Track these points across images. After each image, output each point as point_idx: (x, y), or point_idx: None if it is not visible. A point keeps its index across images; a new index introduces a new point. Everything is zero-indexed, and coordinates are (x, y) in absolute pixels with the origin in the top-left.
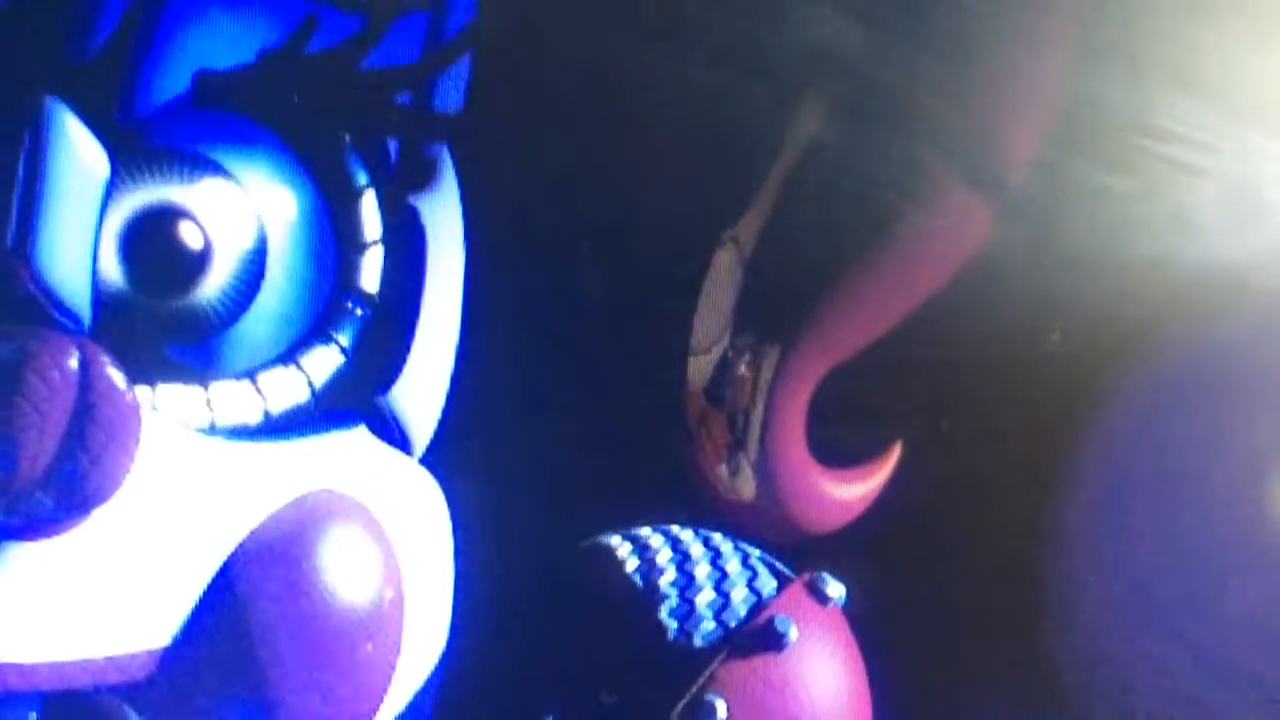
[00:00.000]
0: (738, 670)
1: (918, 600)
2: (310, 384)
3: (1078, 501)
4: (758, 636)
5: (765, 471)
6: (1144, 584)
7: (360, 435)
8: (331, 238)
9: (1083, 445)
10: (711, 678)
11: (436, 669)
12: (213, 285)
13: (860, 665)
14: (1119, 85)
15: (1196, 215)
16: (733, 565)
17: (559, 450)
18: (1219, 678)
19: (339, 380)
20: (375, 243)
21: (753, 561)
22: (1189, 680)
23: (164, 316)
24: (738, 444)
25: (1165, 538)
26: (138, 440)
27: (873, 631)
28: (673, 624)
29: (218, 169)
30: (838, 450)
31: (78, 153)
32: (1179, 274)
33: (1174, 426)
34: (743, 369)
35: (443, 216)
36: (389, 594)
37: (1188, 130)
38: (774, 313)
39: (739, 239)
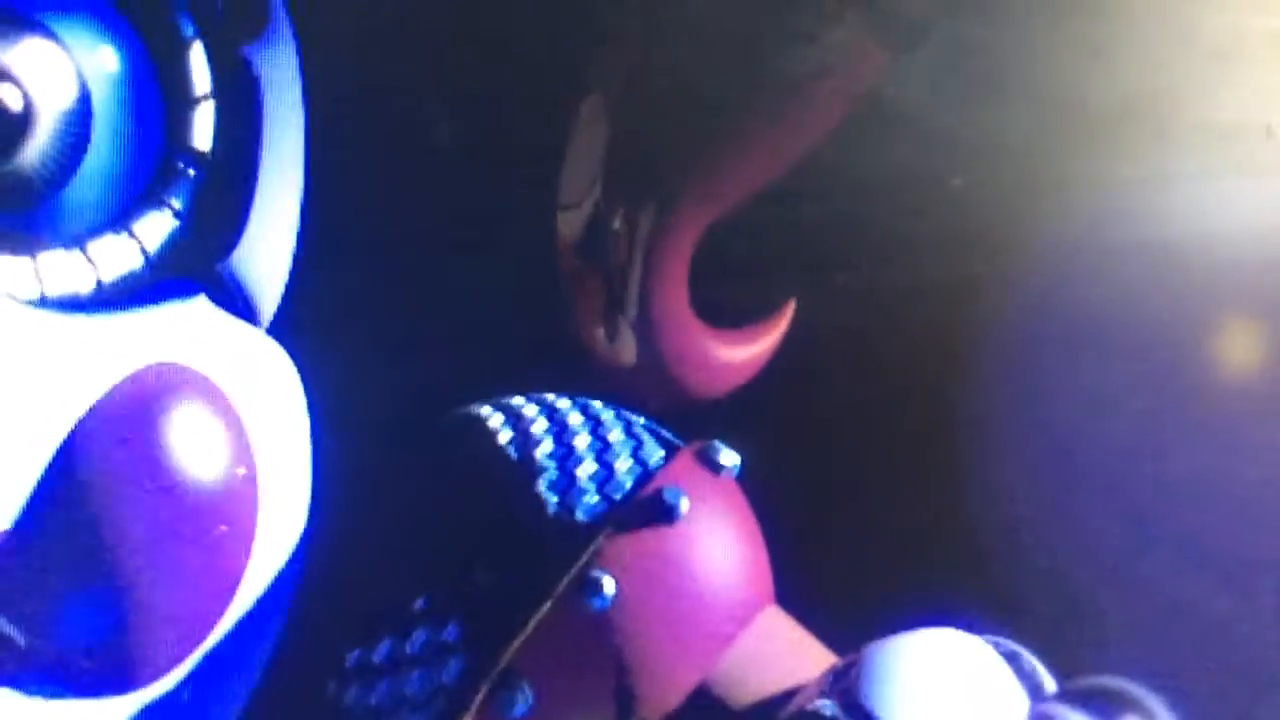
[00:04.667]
0: (626, 545)
1: (820, 467)
2: (144, 251)
3: (991, 360)
4: (646, 509)
5: (646, 333)
6: (1067, 446)
7: (200, 305)
8: (158, 94)
9: (995, 298)
10: (597, 553)
11: (297, 551)
12: (35, 149)
13: (759, 537)
14: None
15: (1112, 44)
16: (615, 434)
17: (420, 314)
18: (1152, 539)
19: (174, 246)
20: (206, 97)
21: (637, 430)
22: (1120, 543)
23: None
24: (615, 304)
25: (1090, 394)
26: None
27: (772, 501)
28: (552, 498)
29: (34, 26)
30: (725, 310)
31: None
32: (1096, 106)
33: (1095, 274)
34: (617, 223)
35: (277, 68)
36: (240, 471)
37: None
38: (649, 162)
39: (607, 83)
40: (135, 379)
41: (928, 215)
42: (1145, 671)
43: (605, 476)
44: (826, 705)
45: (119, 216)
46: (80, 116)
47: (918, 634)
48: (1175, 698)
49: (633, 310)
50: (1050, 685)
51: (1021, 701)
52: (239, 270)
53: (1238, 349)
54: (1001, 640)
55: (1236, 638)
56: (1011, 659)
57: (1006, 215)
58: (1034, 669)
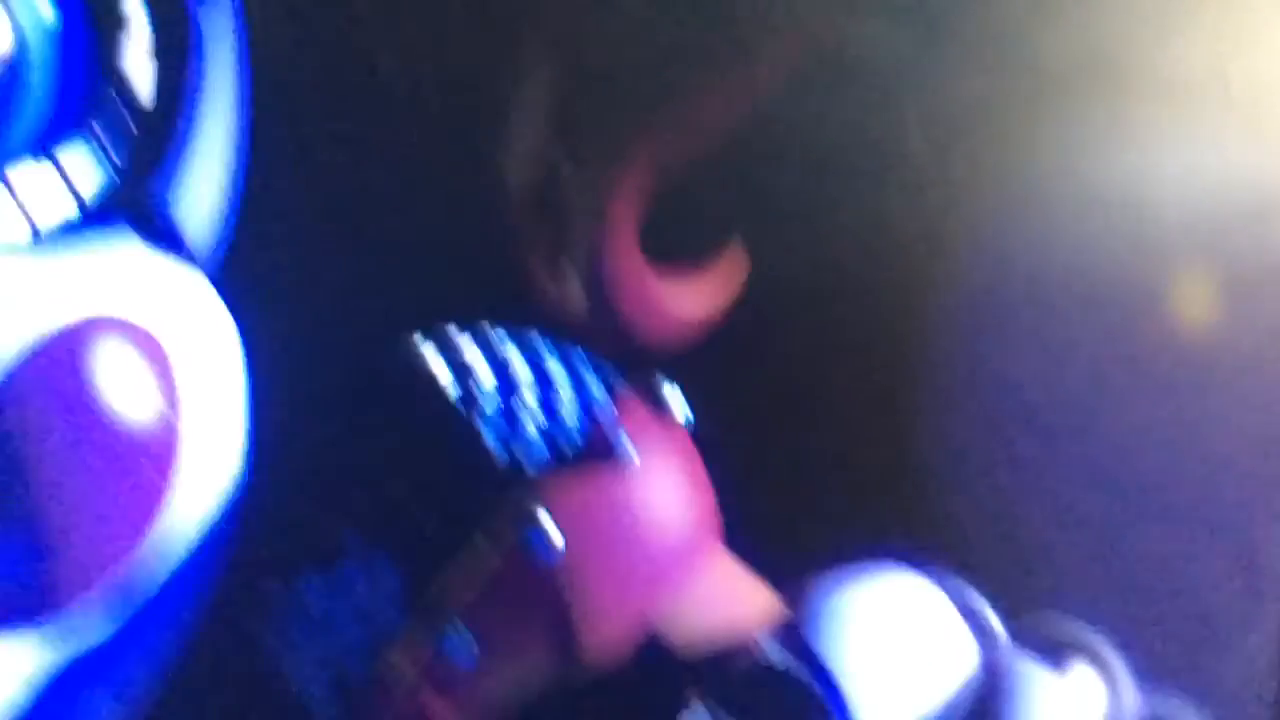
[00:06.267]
0: (570, 490)
1: (770, 413)
2: (71, 186)
3: (946, 309)
4: (591, 453)
5: (596, 280)
6: (1018, 392)
7: (131, 243)
8: (91, 27)
9: (953, 250)
10: (539, 495)
11: (232, 492)
12: None
13: (707, 485)
14: None
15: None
16: (560, 375)
17: (361, 255)
18: (1104, 487)
19: (104, 182)
20: (137, 19)
21: (581, 370)
22: (1069, 490)
23: None
24: (564, 251)
25: (1042, 341)
26: None
27: (721, 448)
28: (492, 437)
29: None
30: (677, 257)
31: None
32: (1051, 63)
33: (1053, 227)
34: (567, 170)
35: (214, 5)
36: (170, 415)
37: None
38: (599, 109)
39: (558, 34)
40: (61, 320)
41: (885, 170)
42: (1095, 617)
43: (550, 418)
44: (773, 648)
45: (45, 148)
46: (14, 58)
47: (865, 576)
48: (1125, 643)
49: (582, 259)
50: (999, 629)
51: (970, 644)
52: (171, 207)
53: (1192, 302)
54: (950, 583)
55: (1188, 584)
56: (960, 601)
57: (964, 170)
58: (982, 612)
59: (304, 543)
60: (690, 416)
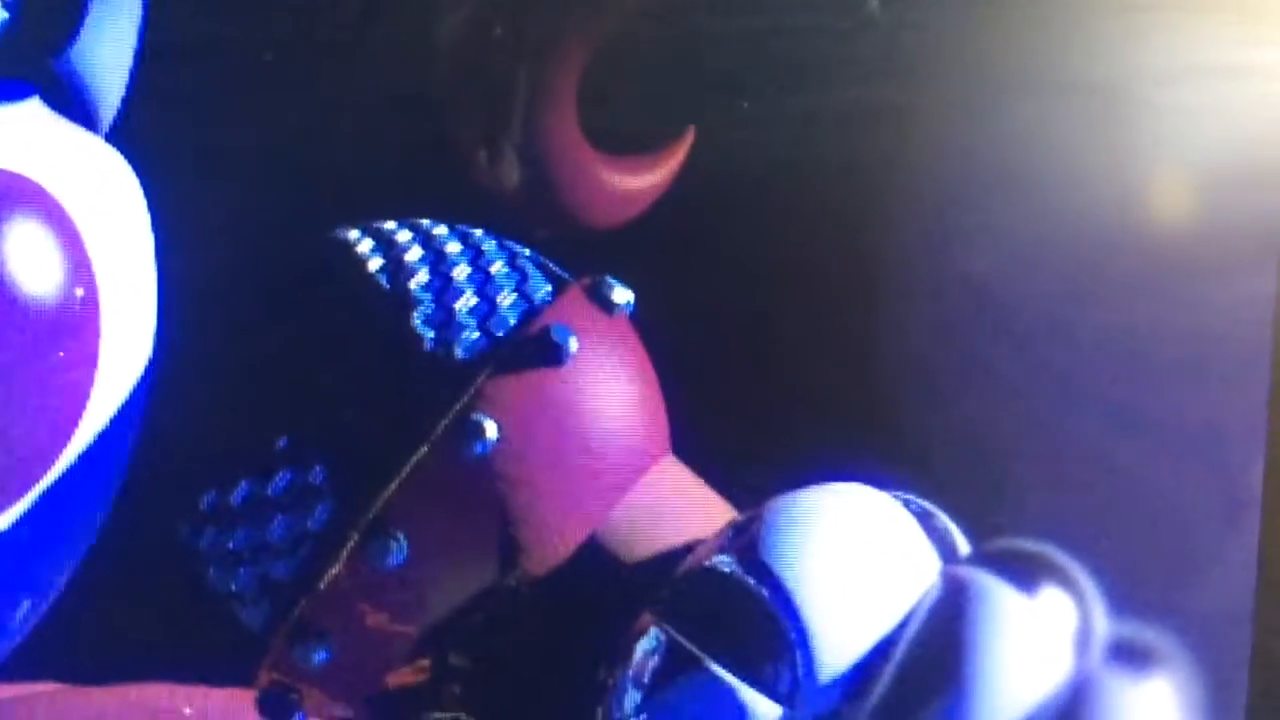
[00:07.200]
0: (509, 386)
1: (720, 306)
2: None
3: (907, 198)
4: (531, 347)
5: (532, 156)
6: (989, 297)
7: (33, 108)
8: None
9: (912, 129)
10: (478, 394)
11: (144, 380)
12: None
13: (653, 381)
14: None
15: None
16: (498, 266)
17: (276, 121)
18: (1077, 397)
19: (5, 41)
20: None
21: (521, 262)
22: (1041, 404)
23: None
24: (497, 123)
25: (1013, 242)
26: None
27: (667, 343)
28: (428, 333)
29: None
30: (619, 134)
31: None
32: None
33: (1023, 115)
34: (499, 31)
35: None
36: (79, 292)
37: None
38: None
39: None
40: None
41: (841, 35)
42: (1066, 538)
43: (486, 311)
44: (725, 561)
45: None
46: None
47: (824, 489)
48: (1097, 564)
49: (517, 129)
50: (964, 547)
51: (932, 562)
52: (77, 68)
53: (1172, 200)
54: (913, 499)
55: (1163, 503)
56: (923, 518)
57: (925, 38)
58: (946, 529)
59: (227, 435)
60: (634, 309)
